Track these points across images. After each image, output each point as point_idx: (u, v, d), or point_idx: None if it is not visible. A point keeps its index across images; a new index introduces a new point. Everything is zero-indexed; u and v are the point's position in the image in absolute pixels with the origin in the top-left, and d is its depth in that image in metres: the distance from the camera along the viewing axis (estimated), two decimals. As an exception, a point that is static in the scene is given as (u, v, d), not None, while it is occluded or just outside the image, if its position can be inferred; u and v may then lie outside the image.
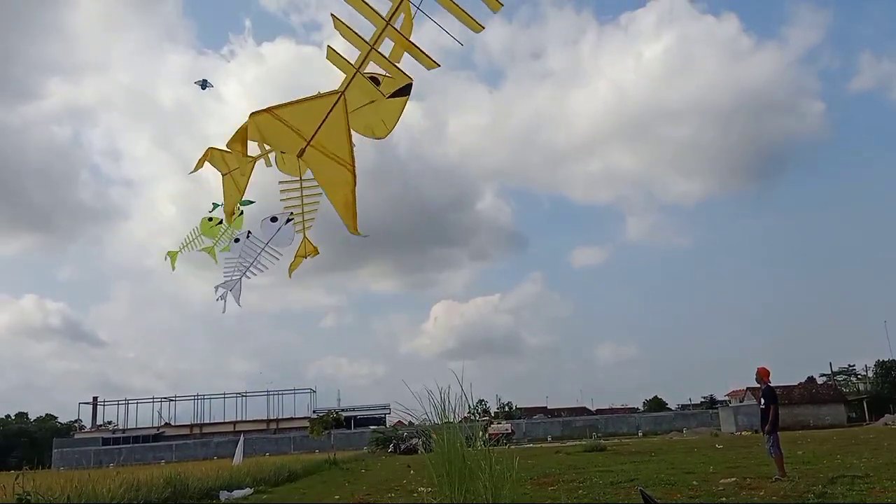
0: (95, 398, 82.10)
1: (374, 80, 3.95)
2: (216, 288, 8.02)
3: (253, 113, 3.78)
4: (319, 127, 3.59)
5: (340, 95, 3.75)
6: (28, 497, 11.65)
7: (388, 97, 3.94)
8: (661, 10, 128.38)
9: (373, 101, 3.97)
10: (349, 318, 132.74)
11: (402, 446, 43.02)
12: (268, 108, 3.74)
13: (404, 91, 3.96)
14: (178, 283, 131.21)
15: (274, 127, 3.64)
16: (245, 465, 24.15)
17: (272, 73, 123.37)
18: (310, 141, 3.62)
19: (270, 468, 23.30)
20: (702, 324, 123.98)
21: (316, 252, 7.63)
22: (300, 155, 3.75)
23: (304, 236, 7.28)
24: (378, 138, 4.10)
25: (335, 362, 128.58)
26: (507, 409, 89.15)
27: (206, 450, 64.83)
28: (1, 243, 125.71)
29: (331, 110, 3.68)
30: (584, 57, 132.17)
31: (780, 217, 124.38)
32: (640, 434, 57.03)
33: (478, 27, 3.86)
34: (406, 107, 4.00)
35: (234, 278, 7.86)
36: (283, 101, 3.78)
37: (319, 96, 3.82)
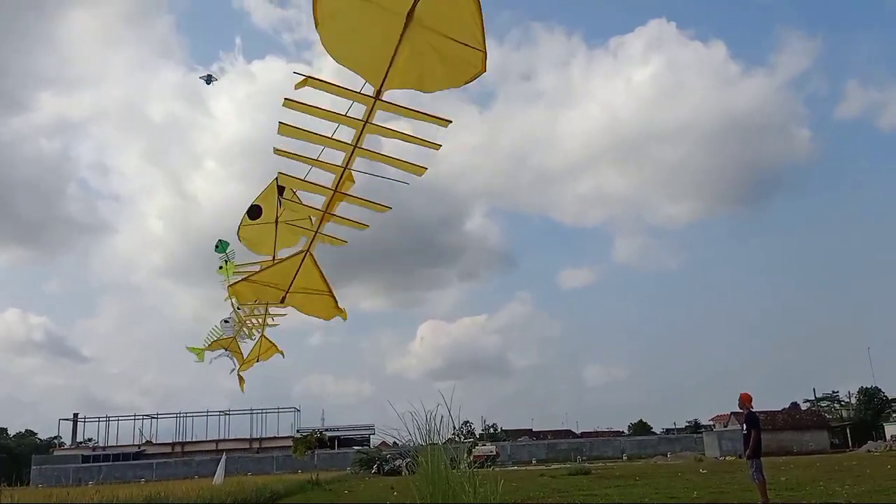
0: (76, 415, 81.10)
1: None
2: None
3: (230, 286, 5.20)
4: (293, 280, 4.26)
5: (305, 254, 4.56)
6: (6, 514, 11.50)
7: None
8: (649, 36, 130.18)
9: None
10: (336, 337, 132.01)
11: (386, 467, 42.70)
12: (245, 278, 4.85)
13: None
14: (164, 299, 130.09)
15: (254, 289, 4.71)
16: (226, 485, 23.91)
17: (262, 90, 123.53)
18: (288, 290, 4.32)
19: (252, 488, 23.07)
20: (688, 348, 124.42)
21: (276, 352, 8.21)
22: (281, 301, 4.83)
23: (264, 337, 7.81)
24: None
25: (321, 381, 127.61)
26: (492, 430, 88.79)
27: (187, 469, 64.00)
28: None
29: (299, 268, 4.37)
30: (574, 79, 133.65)
31: (767, 241, 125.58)
32: (624, 458, 56.91)
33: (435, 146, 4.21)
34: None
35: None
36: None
37: (287, 259, 4.49)
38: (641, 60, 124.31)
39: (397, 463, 41.00)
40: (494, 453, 49.77)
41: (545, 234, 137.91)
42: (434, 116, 3.58)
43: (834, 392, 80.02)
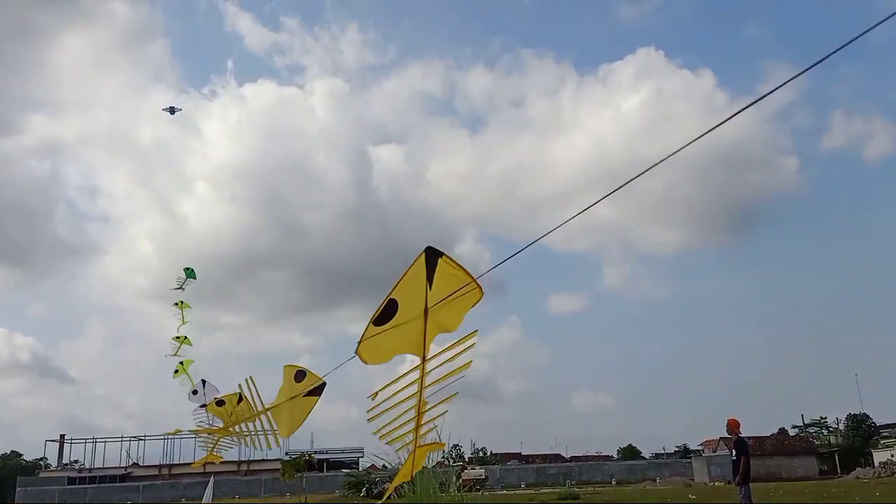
0: (62, 436, 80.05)
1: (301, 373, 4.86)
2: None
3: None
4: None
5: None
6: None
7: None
8: (638, 64, 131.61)
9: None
10: (324, 360, 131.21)
11: (375, 491, 42.41)
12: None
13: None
14: (151, 322, 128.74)
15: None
16: (215, 508, 23.75)
17: (253, 113, 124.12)
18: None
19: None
20: (677, 373, 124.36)
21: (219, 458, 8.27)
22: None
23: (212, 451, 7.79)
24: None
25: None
26: (481, 454, 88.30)
27: (174, 491, 63.24)
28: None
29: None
30: (564, 107, 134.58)
31: (755, 270, 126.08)
32: (613, 482, 56.71)
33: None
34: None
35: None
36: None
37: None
38: (631, 88, 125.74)
39: (386, 486, 40.75)
40: (483, 477, 49.51)
41: (534, 259, 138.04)
42: (464, 349, 4.09)
43: (822, 418, 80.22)
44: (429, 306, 3.78)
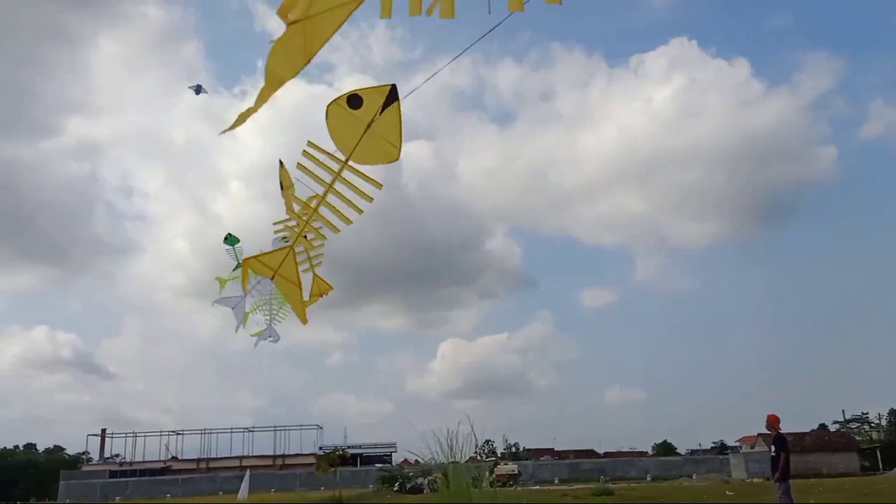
0: (104, 430, 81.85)
1: (355, 97, 4.34)
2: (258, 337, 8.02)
3: (245, 259, 5.99)
4: (280, 265, 5.52)
5: (289, 251, 5.49)
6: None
7: (381, 113, 4.33)
8: (671, 54, 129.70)
9: (368, 129, 4.31)
10: (356, 356, 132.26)
11: (408, 486, 42.61)
12: (255, 256, 5.74)
13: (392, 97, 4.17)
14: (186, 318, 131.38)
15: (257, 266, 5.60)
16: (250, 501, 24.07)
17: (283, 111, 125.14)
18: (276, 271, 5.56)
19: (276, 505, 23.23)
20: (712, 368, 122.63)
21: (330, 288, 7.82)
22: (271, 278, 5.63)
23: (315, 274, 7.44)
24: (392, 161, 4.45)
25: (342, 399, 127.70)
26: (513, 450, 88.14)
27: (212, 485, 64.32)
28: (17, 275, 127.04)
29: (283, 259, 5.52)
30: (593, 99, 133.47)
31: (792, 262, 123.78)
32: (648, 479, 56.14)
33: None
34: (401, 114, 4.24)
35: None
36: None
37: (280, 249, 5.66)
38: (662, 79, 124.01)
39: (420, 481, 40.88)
40: (516, 472, 49.45)
41: (566, 253, 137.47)
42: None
43: (864, 413, 78.41)
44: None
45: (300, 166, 5.02)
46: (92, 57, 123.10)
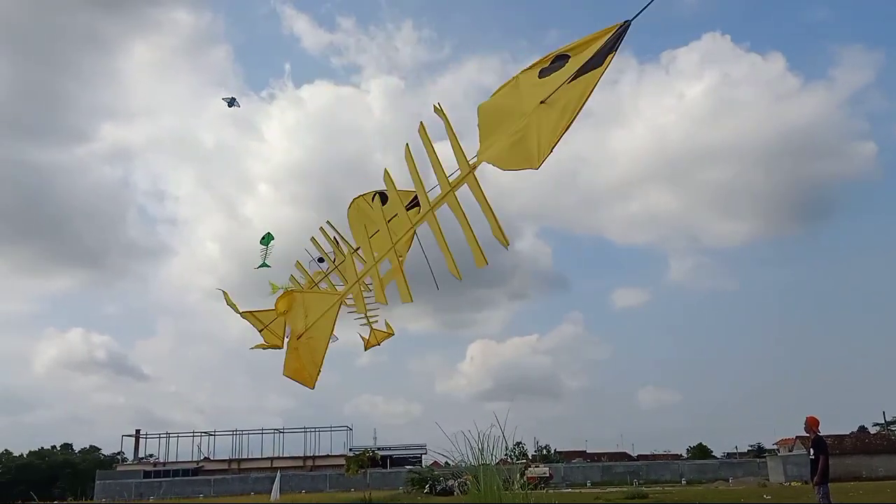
0: (138, 431, 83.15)
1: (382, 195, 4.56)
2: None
3: (244, 312, 5.83)
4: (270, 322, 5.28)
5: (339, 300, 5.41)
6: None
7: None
8: (703, 50, 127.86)
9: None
10: (385, 357, 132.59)
11: (439, 487, 42.48)
12: (252, 312, 5.54)
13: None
14: (217, 320, 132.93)
15: (250, 317, 5.23)
16: (282, 501, 24.16)
17: (311, 114, 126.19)
18: (266, 326, 5.33)
19: (306, 506, 23.29)
20: (749, 369, 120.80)
21: (389, 334, 8.19)
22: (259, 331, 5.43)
23: (371, 328, 7.82)
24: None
25: (371, 401, 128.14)
26: (545, 452, 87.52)
27: (243, 485, 64.93)
28: (52, 279, 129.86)
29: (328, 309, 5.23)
30: (623, 96, 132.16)
31: (828, 260, 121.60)
32: (683, 482, 55.31)
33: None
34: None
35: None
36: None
37: (328, 292, 5.51)
38: (694, 75, 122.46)
39: (450, 483, 40.74)
40: (548, 475, 49.04)
41: (596, 254, 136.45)
42: (501, 231, 4.33)
43: (904, 415, 76.34)
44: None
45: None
46: (124, 63, 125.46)
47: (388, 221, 4.49)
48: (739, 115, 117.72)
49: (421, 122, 4.79)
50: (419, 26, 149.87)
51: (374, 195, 5.09)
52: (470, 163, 4.43)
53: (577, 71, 3.88)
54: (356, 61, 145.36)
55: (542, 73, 3.97)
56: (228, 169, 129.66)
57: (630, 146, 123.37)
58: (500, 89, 4.22)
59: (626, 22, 3.79)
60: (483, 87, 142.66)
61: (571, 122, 3.99)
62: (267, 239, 9.30)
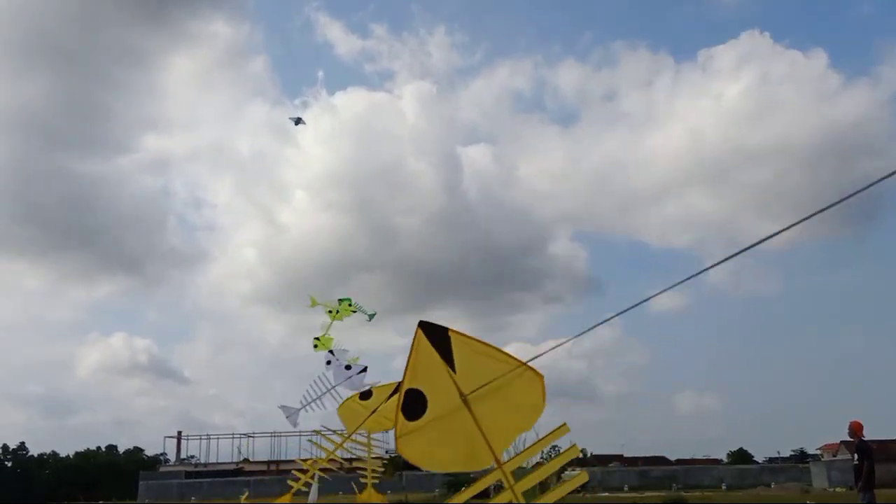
0: (180, 433, 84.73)
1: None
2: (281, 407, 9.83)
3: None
4: None
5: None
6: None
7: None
8: (741, 48, 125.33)
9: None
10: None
11: (475, 491, 42.46)
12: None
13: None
14: (255, 324, 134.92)
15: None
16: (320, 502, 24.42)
17: (345, 120, 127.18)
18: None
19: (344, 508, 23.52)
20: (790, 374, 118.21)
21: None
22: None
23: (369, 486, 8.48)
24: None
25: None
26: (581, 456, 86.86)
27: (282, 487, 65.36)
28: (95, 285, 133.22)
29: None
30: (659, 98, 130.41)
31: (876, 263, 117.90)
32: (723, 487, 54.37)
33: None
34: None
35: (299, 406, 9.53)
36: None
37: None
38: (732, 74, 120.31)
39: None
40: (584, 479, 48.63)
41: (632, 257, 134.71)
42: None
43: (956, 420, 74.08)
44: (465, 394, 3.33)
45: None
46: (165, 76, 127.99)
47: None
48: (780, 114, 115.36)
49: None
50: (451, 31, 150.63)
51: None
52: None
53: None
54: (389, 67, 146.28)
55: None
56: (265, 177, 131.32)
57: (666, 148, 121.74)
58: None
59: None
60: (516, 92, 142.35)
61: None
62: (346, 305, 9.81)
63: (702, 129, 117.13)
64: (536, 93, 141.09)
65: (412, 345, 3.30)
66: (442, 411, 3.39)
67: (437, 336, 3.24)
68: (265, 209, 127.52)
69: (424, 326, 3.27)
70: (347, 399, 7.44)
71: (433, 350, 3.22)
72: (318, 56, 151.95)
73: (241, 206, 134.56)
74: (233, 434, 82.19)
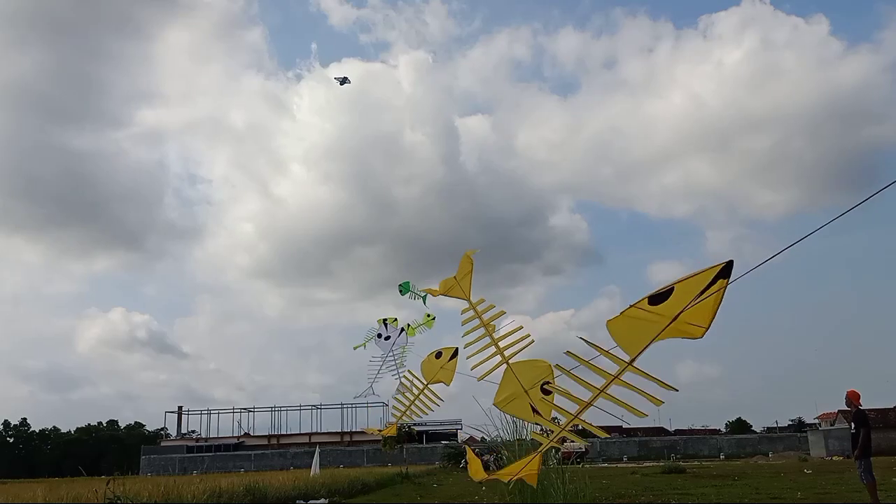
0: (180, 408, 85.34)
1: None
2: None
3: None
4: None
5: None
6: (119, 500, 12.24)
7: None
8: (743, 14, 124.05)
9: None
10: (419, 335, 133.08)
11: (475, 462, 42.80)
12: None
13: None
14: (253, 298, 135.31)
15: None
16: (321, 476, 24.61)
17: (340, 92, 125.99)
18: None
19: (345, 480, 23.70)
20: (789, 343, 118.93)
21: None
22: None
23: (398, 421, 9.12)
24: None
25: (407, 376, 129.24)
26: (580, 427, 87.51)
27: (282, 460, 66.31)
28: (93, 260, 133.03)
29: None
30: (660, 64, 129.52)
31: (876, 231, 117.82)
32: (721, 457, 54.94)
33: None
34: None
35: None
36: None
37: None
38: (734, 41, 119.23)
39: (485, 458, 41.04)
40: (584, 450, 49.08)
41: (632, 227, 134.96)
42: (665, 383, 4.50)
43: (952, 389, 74.66)
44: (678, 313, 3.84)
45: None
46: (159, 48, 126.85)
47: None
48: (781, 81, 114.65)
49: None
50: None
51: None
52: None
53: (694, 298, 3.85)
54: (385, 37, 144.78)
55: (653, 301, 4.04)
56: (261, 149, 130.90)
57: (667, 115, 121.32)
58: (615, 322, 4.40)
59: (728, 261, 3.73)
60: (514, 60, 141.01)
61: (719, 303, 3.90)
62: (406, 287, 9.75)
63: (702, 96, 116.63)
64: (535, 61, 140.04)
65: (708, 272, 3.84)
66: (666, 313, 3.99)
67: (713, 280, 3.82)
68: (262, 182, 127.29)
69: (730, 266, 3.82)
70: (427, 356, 8.50)
71: (707, 286, 3.81)
72: (312, 25, 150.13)
73: (238, 179, 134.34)
74: (233, 408, 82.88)
